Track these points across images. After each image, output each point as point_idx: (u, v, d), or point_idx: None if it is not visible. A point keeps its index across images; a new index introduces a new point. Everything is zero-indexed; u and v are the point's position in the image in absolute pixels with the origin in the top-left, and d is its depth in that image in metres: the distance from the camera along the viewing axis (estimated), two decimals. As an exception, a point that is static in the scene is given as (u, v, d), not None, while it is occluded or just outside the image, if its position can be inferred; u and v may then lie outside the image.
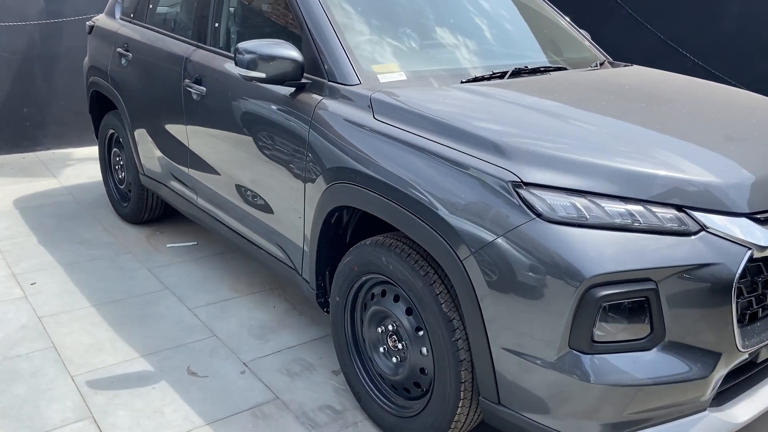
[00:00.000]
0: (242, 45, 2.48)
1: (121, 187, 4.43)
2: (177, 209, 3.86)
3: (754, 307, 1.88)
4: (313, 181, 2.47)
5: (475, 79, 2.54)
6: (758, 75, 4.06)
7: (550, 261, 1.76)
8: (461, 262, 1.91)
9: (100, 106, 4.50)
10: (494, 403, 1.98)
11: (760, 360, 1.99)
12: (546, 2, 3.43)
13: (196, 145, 3.29)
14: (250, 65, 2.47)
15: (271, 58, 2.45)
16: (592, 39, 3.46)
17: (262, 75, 2.48)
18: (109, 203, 4.63)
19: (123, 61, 3.92)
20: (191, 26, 3.39)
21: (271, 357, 2.91)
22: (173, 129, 3.47)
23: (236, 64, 2.51)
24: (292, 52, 2.49)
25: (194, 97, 3.18)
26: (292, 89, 2.59)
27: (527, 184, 1.83)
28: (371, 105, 2.30)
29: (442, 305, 2.06)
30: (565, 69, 2.87)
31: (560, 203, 1.79)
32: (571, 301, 1.73)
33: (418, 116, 2.16)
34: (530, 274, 1.79)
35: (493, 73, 2.60)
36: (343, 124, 2.35)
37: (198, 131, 3.23)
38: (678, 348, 1.81)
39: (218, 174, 3.15)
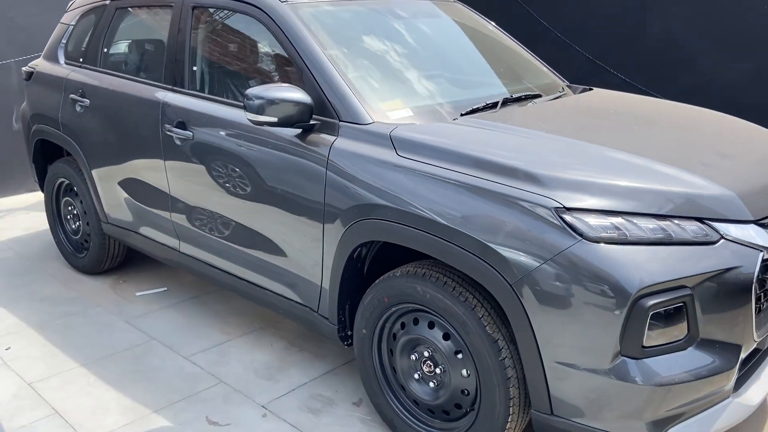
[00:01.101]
0: (251, 91, 2.52)
1: (76, 237, 4.23)
2: (150, 256, 3.75)
3: (762, 301, 2.14)
4: (333, 219, 2.53)
5: (472, 111, 2.70)
6: (680, 88, 4.52)
7: (598, 278, 1.93)
8: (511, 286, 2.05)
9: (45, 154, 4.31)
10: (547, 414, 2.12)
11: (765, 347, 2.27)
12: (504, 33, 3.67)
13: (180, 191, 3.24)
14: (260, 110, 2.51)
15: (284, 102, 2.50)
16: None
17: (273, 119, 2.52)
18: (58, 255, 4.40)
19: (78, 107, 3.78)
20: (163, 70, 3.34)
21: (287, 396, 2.91)
22: (149, 175, 3.40)
23: (246, 109, 2.54)
24: (301, 95, 2.55)
25: (177, 141, 3.14)
26: (299, 131, 2.65)
27: (569, 209, 2.00)
28: (392, 142, 2.40)
29: (486, 327, 2.18)
30: (540, 95, 3.09)
31: (600, 224, 1.98)
32: (623, 313, 1.91)
33: (446, 151, 2.28)
34: (580, 291, 1.95)
35: (486, 104, 2.78)
36: (364, 162, 2.43)
37: (184, 176, 3.19)
38: (708, 344, 2.03)
39: (211, 218, 3.12)
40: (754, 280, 1.99)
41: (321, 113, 2.62)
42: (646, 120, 2.80)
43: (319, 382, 3.02)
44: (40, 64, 4.25)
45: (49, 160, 4.33)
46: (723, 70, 4.38)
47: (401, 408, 2.56)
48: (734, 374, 2.10)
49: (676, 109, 3.08)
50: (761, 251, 2.03)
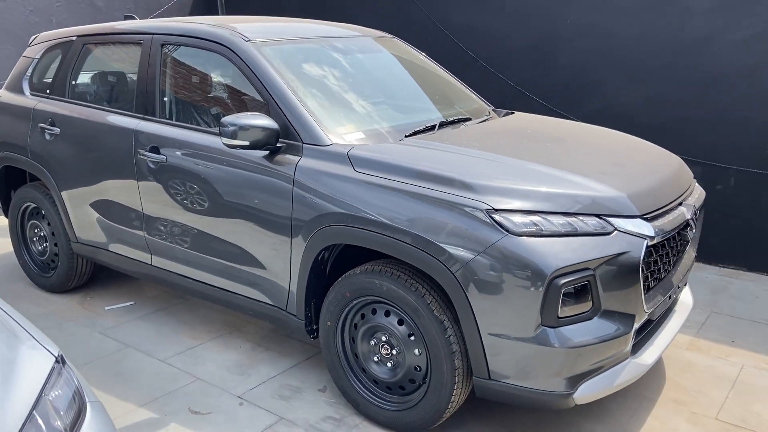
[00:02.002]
0: (226, 119, 2.92)
1: (42, 258, 4.46)
2: (120, 270, 4.05)
3: (649, 279, 2.70)
4: (299, 228, 2.94)
5: (414, 133, 3.19)
6: (586, 110, 5.17)
7: (522, 264, 2.43)
8: (453, 274, 2.52)
9: (9, 180, 4.54)
10: (485, 378, 2.60)
11: (655, 317, 2.82)
12: (438, 65, 4.20)
13: (153, 209, 3.58)
14: (233, 135, 2.91)
15: (254, 128, 2.91)
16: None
17: (246, 143, 2.93)
18: (23, 277, 4.61)
19: (47, 135, 4.06)
20: (134, 101, 3.69)
21: (259, 387, 3.28)
22: (122, 195, 3.72)
23: (221, 135, 2.93)
24: (268, 122, 2.96)
25: (150, 165, 3.49)
26: (267, 152, 3.06)
27: (497, 210, 2.49)
28: (350, 160, 2.85)
29: (434, 311, 2.64)
30: (470, 119, 3.62)
31: (522, 221, 2.48)
32: (542, 291, 2.41)
33: (396, 167, 2.75)
34: (508, 275, 2.44)
35: (426, 127, 3.27)
36: (326, 178, 2.87)
37: (157, 196, 3.53)
38: (609, 315, 2.56)
39: (185, 232, 3.47)
40: (641, 262, 2.54)
41: (285, 137, 3.04)
42: (557, 138, 3.37)
43: (286, 375, 3.40)
44: (3, 95, 4.49)
45: (11, 186, 4.56)
46: (621, 95, 5.06)
47: (363, 388, 2.98)
48: (631, 339, 2.64)
49: (580, 128, 3.67)
50: (645, 240, 2.57)
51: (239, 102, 3.40)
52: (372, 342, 2.92)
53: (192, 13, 7.42)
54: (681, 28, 4.76)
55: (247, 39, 3.31)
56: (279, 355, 3.61)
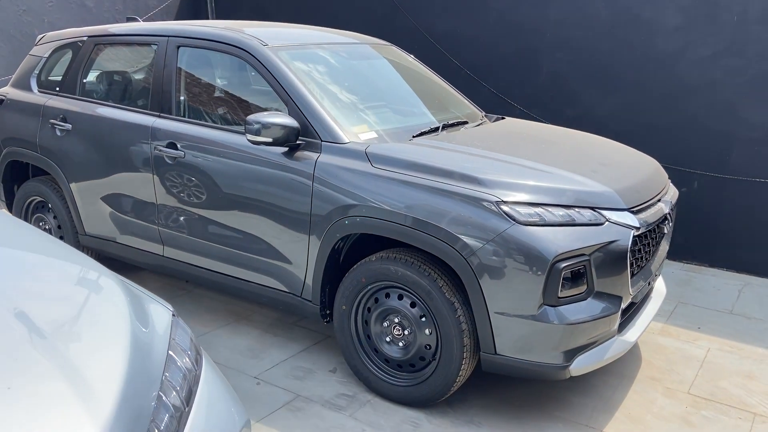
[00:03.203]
0: (251, 117, 3.16)
1: (46, 250, 4.59)
2: (128, 261, 4.22)
3: (634, 266, 3.04)
4: (318, 220, 3.20)
5: (421, 134, 3.48)
6: (565, 118, 5.56)
7: (528, 249, 2.74)
8: (466, 259, 2.82)
9: (14, 175, 4.66)
10: (492, 354, 2.90)
11: (637, 301, 3.18)
12: (434, 72, 4.51)
13: (168, 202, 3.78)
14: (257, 132, 3.15)
15: (277, 126, 3.16)
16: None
17: (269, 140, 3.18)
18: (24, 269, 4.72)
19: (58, 131, 4.21)
20: (150, 99, 3.88)
21: (274, 369, 3.51)
22: (136, 189, 3.90)
23: (246, 132, 3.17)
24: (290, 120, 3.21)
25: (167, 160, 3.70)
26: (286, 149, 3.31)
27: (506, 202, 2.80)
28: (368, 157, 3.13)
29: (445, 294, 2.93)
30: (466, 122, 3.93)
31: (527, 212, 2.80)
32: (544, 273, 2.72)
33: (412, 163, 3.03)
34: (515, 260, 2.75)
35: (430, 129, 3.57)
36: (344, 173, 3.13)
37: (173, 189, 3.73)
38: (600, 296, 2.89)
39: (200, 224, 3.68)
40: (628, 250, 2.88)
41: (305, 135, 3.30)
42: (548, 141, 3.71)
43: (297, 358, 3.64)
44: (10, 92, 4.61)
45: (17, 181, 4.68)
46: (597, 104, 5.47)
47: (375, 366, 3.25)
48: (617, 319, 2.97)
49: (566, 133, 4.02)
50: (632, 230, 2.92)
51: (255, 102, 3.64)
52: (385, 324, 3.18)
53: (179, 17, 7.58)
54: (651, 44, 5.19)
55: (264, 43, 3.56)
56: (288, 340, 3.84)
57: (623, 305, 2.99)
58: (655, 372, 3.59)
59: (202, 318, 4.10)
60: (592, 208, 2.91)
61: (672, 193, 3.52)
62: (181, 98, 3.80)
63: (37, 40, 4.69)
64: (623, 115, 5.37)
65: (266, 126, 3.15)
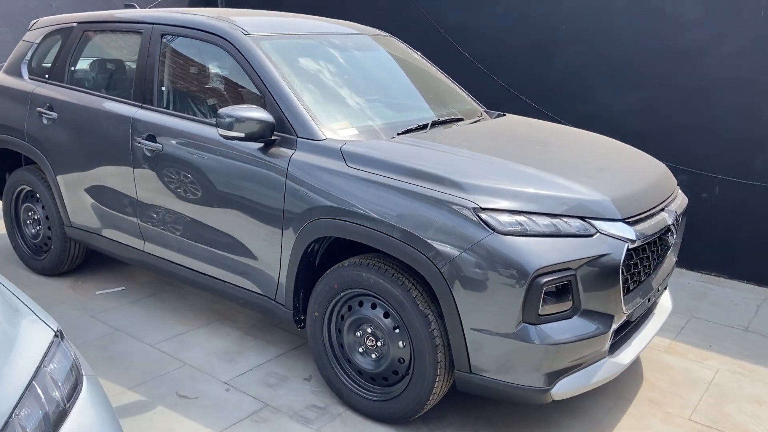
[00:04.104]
0: (223, 110, 2.98)
1: (35, 241, 4.51)
2: (112, 256, 4.10)
3: (629, 282, 2.78)
4: (291, 220, 3.01)
5: (407, 131, 3.26)
6: (578, 115, 5.26)
7: (505, 262, 2.50)
8: (439, 270, 2.60)
9: (6, 163, 4.57)
10: (466, 372, 2.68)
11: (633, 319, 2.91)
12: (434, 65, 4.27)
13: (147, 196, 3.63)
14: (230, 127, 2.97)
15: (250, 120, 2.97)
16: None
17: (241, 134, 2.99)
18: (14, 260, 4.65)
19: (44, 120, 4.10)
20: (132, 89, 3.74)
21: (246, 375, 3.35)
22: (117, 181, 3.77)
23: (218, 126, 2.99)
24: (264, 114, 3.02)
25: (147, 152, 3.55)
26: (262, 145, 3.12)
27: (484, 209, 2.57)
28: (342, 155, 2.92)
29: (419, 305, 2.72)
30: (462, 119, 3.69)
31: (507, 220, 2.56)
32: (524, 288, 2.49)
33: (387, 163, 2.82)
34: (492, 272, 2.52)
35: (418, 126, 3.34)
36: (319, 172, 2.93)
37: (151, 183, 3.58)
38: (588, 314, 2.64)
39: (178, 220, 3.53)
40: (621, 265, 2.62)
41: (281, 130, 3.11)
42: (545, 141, 3.45)
43: (273, 363, 3.47)
44: (1, 78, 4.52)
45: (5, 169, 4.60)
46: (613, 102, 5.16)
47: (347, 378, 3.05)
48: (608, 339, 2.72)
49: (569, 132, 3.75)
50: (626, 243, 2.66)
51: (236, 94, 3.46)
52: (358, 333, 2.99)
53: (191, 5, 7.46)
54: (674, 38, 4.85)
55: (246, 32, 3.37)
56: (267, 343, 3.67)
57: (615, 324, 2.74)
58: (656, 394, 3.32)
59: (185, 315, 3.96)
60: (582, 218, 2.65)
61: (680, 201, 3.23)
62: (163, 89, 3.64)
63: (30, 25, 4.59)
64: (640, 114, 5.05)
65: (239, 120, 2.97)
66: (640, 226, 2.77)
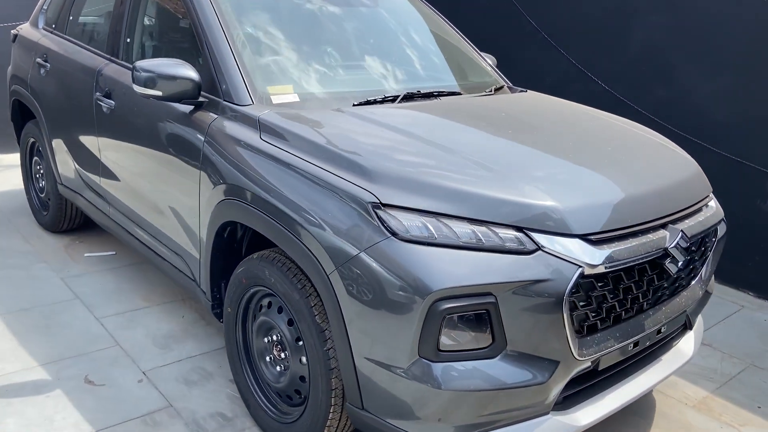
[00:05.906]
0: (140, 63, 2.58)
1: (42, 195, 4.44)
2: (93, 220, 3.90)
3: (591, 319, 2.06)
4: (207, 196, 2.57)
5: (367, 102, 2.68)
6: (656, 100, 4.33)
7: (402, 276, 1.90)
8: (327, 276, 2.04)
9: (22, 114, 4.53)
10: (359, 408, 2.11)
11: (601, 368, 2.17)
12: (451, 26, 3.60)
13: (107, 157, 3.36)
14: (148, 83, 2.56)
15: (169, 77, 2.55)
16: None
17: (159, 93, 2.58)
18: (28, 212, 4.63)
19: (42, 71, 3.96)
20: (106, 40, 3.46)
21: (171, 366, 2.99)
22: (86, 140, 3.53)
23: (133, 81, 2.60)
24: (189, 72, 2.58)
25: (104, 110, 3.26)
26: (191, 107, 2.70)
27: (385, 206, 1.97)
28: (258, 125, 2.42)
29: (316, 316, 2.18)
30: (459, 94, 3.03)
31: (413, 224, 1.94)
32: (419, 313, 1.87)
33: (298, 137, 2.29)
34: (385, 288, 1.92)
35: (385, 97, 2.75)
36: (233, 143, 2.46)
37: (108, 144, 3.30)
38: (519, 357, 1.97)
39: (126, 186, 3.22)
40: (566, 295, 1.91)
41: (210, 91, 2.66)
42: (530, 125, 2.72)
43: (208, 357, 3.08)
44: (24, 28, 4.46)
45: (24, 120, 4.55)
46: (699, 85, 4.14)
47: (257, 387, 2.59)
48: (552, 390, 2.03)
49: (581, 117, 2.94)
50: (581, 267, 1.94)
51: (191, 48, 3.05)
52: (266, 339, 2.51)
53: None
54: (781, 8, 3.79)
55: (202, -23, 2.94)
56: (216, 332, 3.29)
57: (568, 373, 2.04)
58: (656, 464, 2.54)
59: (153, 290, 3.68)
60: (520, 228, 1.97)
61: (702, 217, 2.39)
62: (127, 40, 3.32)
63: (50, -26, 4.47)
64: (731, 101, 4.03)
65: (160, 76, 2.56)
66: (613, 246, 2.02)
